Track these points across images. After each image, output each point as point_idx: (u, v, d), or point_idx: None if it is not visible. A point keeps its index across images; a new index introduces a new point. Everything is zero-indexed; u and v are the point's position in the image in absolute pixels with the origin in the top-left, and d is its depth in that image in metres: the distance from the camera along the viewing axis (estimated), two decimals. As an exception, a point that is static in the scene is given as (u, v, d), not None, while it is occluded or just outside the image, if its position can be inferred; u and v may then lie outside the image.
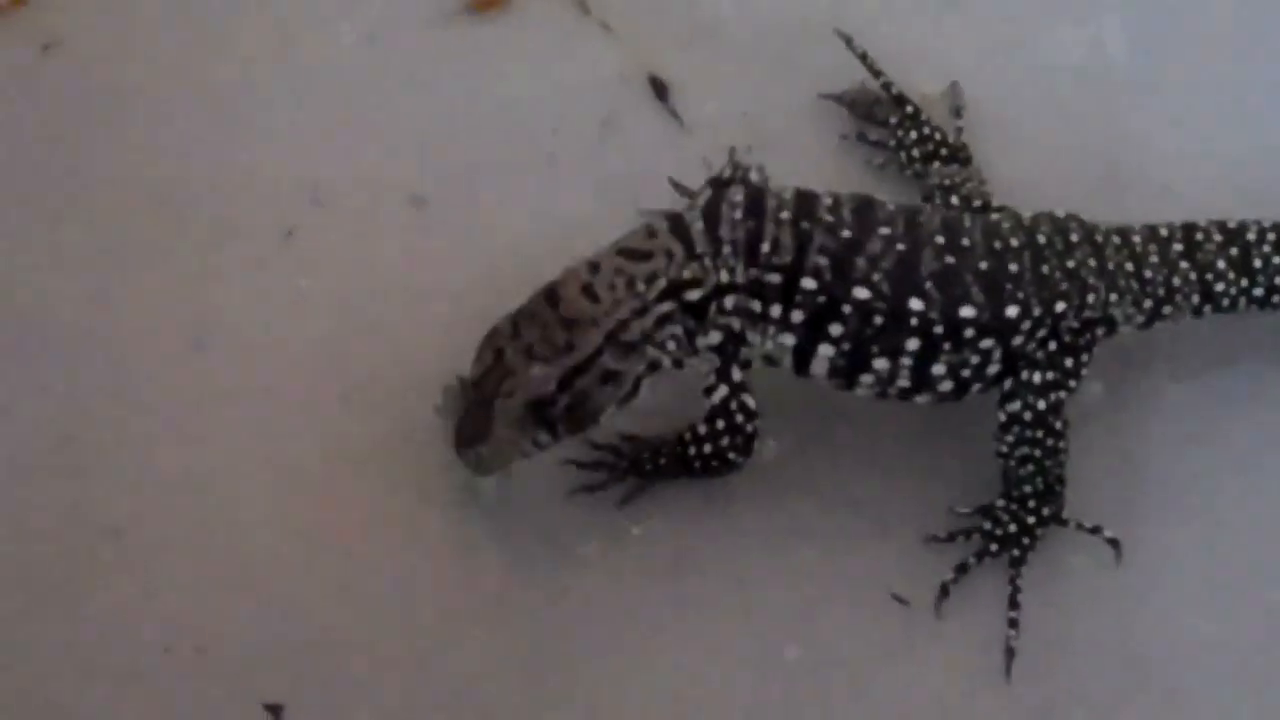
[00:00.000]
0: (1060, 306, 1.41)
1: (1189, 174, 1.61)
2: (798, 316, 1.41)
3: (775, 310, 1.42)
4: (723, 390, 1.43)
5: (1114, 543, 1.47)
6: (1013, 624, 1.45)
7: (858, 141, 1.63)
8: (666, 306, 1.40)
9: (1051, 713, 1.43)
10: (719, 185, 1.49)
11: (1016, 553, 1.46)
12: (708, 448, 1.44)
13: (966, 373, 1.42)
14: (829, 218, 1.40)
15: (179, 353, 1.55)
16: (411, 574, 1.48)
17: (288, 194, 1.61)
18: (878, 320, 1.40)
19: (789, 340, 1.42)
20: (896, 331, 1.40)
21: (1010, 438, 1.44)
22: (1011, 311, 1.40)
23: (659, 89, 1.65)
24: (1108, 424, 1.51)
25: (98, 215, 1.60)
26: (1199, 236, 1.48)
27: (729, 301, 1.42)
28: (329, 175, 1.62)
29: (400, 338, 1.56)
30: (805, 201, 1.41)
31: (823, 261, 1.39)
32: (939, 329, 1.40)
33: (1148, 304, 1.46)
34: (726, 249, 1.40)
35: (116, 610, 1.45)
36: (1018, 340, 1.41)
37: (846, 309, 1.39)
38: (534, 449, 1.41)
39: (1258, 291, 1.48)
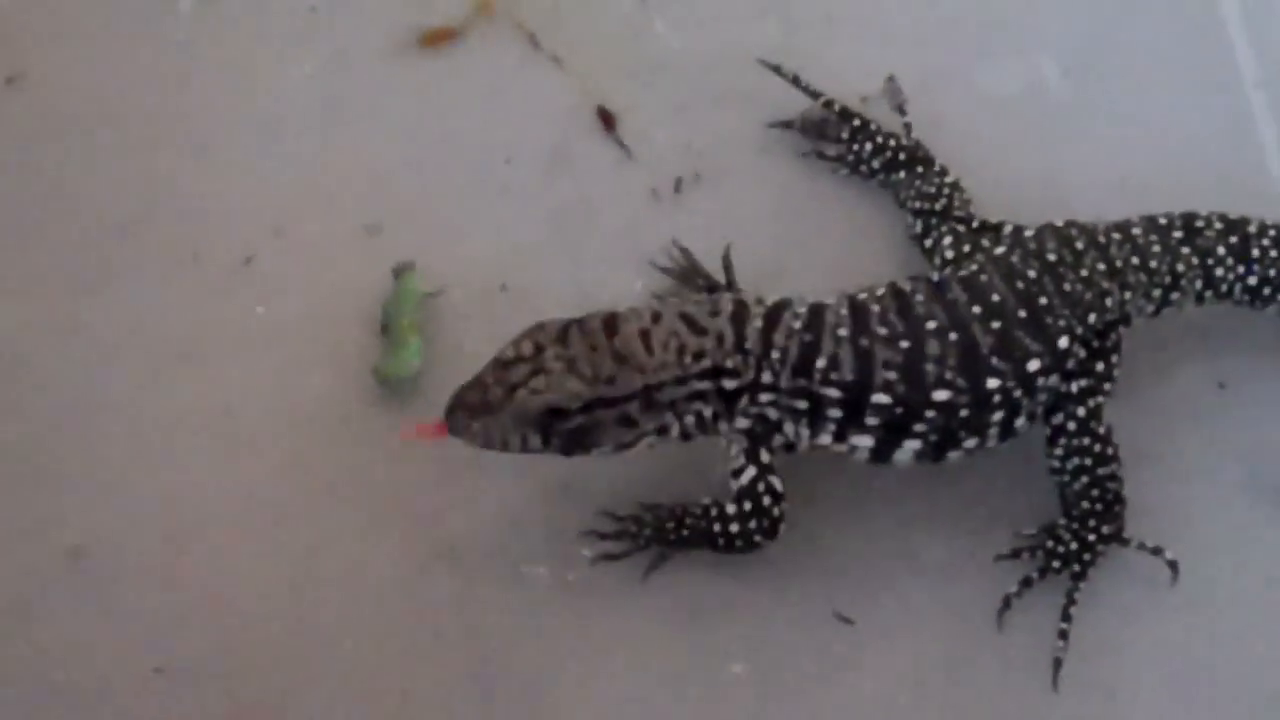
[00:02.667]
0: (1093, 318, 1.45)
1: (1118, 197, 1.62)
2: (873, 422, 1.43)
3: (834, 413, 1.43)
4: (751, 471, 1.44)
5: (1173, 565, 1.48)
6: (1063, 635, 1.47)
7: (818, 159, 1.65)
8: (703, 385, 1.42)
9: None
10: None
11: (1077, 568, 1.48)
12: (734, 527, 1.45)
13: (1039, 410, 1.46)
14: (882, 330, 1.42)
15: (143, 375, 1.56)
16: (363, 593, 1.48)
17: (247, 222, 1.62)
18: (963, 413, 1.42)
19: (866, 441, 1.44)
20: (982, 413, 1.43)
21: (1059, 450, 1.47)
22: (1063, 343, 1.43)
23: (607, 120, 1.67)
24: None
25: (64, 242, 1.61)
26: (1199, 224, 1.51)
27: (764, 397, 1.43)
28: (287, 204, 1.63)
29: (354, 362, 1.56)
30: (860, 316, 1.43)
31: (892, 376, 1.41)
32: (1018, 393, 1.43)
33: (1156, 293, 1.49)
34: (775, 354, 1.42)
35: (75, 630, 1.45)
36: (1070, 363, 1.45)
37: (929, 413, 1.42)
38: (519, 447, 1.42)
39: (1252, 280, 1.51)
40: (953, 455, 1.46)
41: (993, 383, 1.41)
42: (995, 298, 1.44)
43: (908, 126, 1.65)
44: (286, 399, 1.55)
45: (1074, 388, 1.45)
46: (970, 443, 1.45)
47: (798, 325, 1.42)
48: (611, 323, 1.42)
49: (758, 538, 1.44)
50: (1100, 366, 1.46)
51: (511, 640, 1.47)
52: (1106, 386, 1.47)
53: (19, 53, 1.68)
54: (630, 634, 1.47)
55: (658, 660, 1.46)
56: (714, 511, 1.45)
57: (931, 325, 1.42)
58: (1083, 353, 1.46)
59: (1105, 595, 1.48)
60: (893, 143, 1.62)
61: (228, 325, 1.58)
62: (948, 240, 1.55)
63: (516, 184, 1.65)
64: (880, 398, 1.41)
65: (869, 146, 1.62)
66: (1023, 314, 1.43)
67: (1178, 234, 1.51)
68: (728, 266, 1.58)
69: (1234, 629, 1.49)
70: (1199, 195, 1.59)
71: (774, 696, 1.46)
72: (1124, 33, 1.75)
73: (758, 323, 1.43)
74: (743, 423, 1.45)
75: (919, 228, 1.58)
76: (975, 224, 1.56)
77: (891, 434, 1.43)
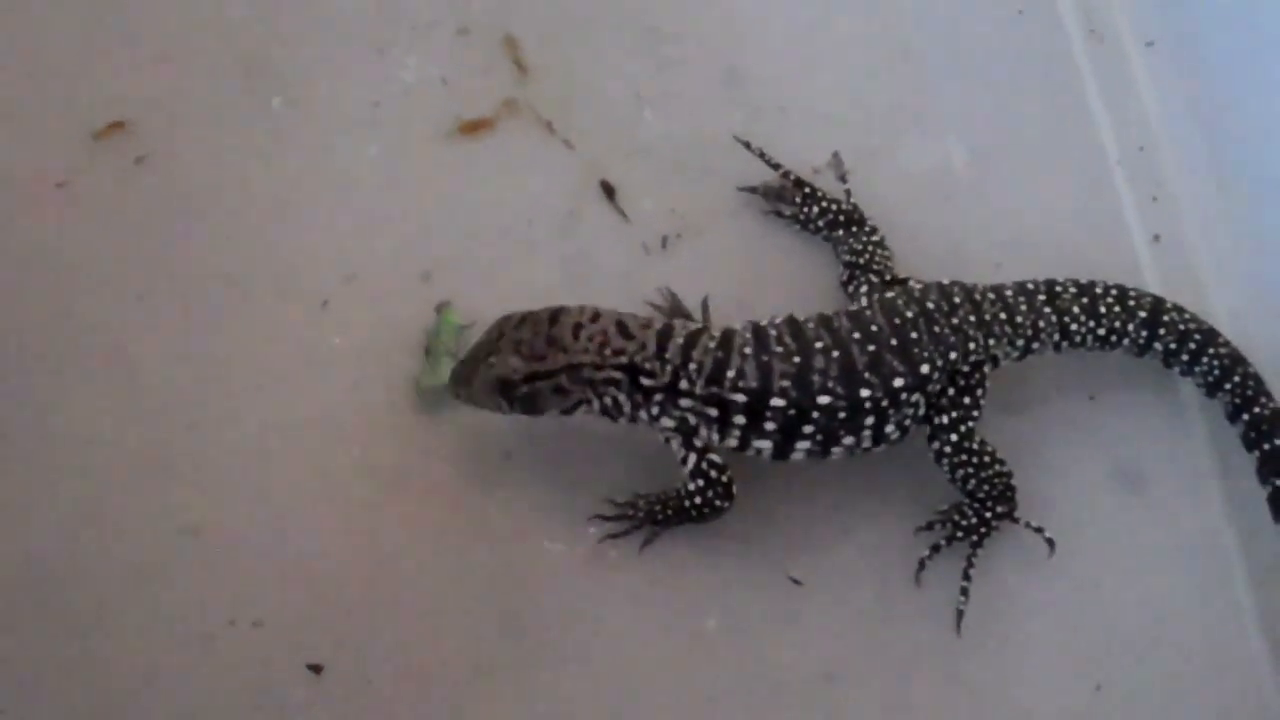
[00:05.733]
0: (953, 356, 1.53)
1: (1012, 253, 1.76)
2: (770, 426, 1.51)
3: (739, 419, 1.51)
4: (693, 456, 1.54)
5: (1050, 542, 1.60)
6: (964, 591, 1.58)
7: (776, 218, 1.73)
8: (618, 375, 1.51)
9: (915, 661, 1.59)
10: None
11: (975, 539, 1.59)
12: (699, 499, 1.55)
13: (907, 422, 1.55)
14: (779, 349, 1.50)
15: (244, 392, 1.64)
16: (418, 562, 1.58)
17: (325, 272, 1.70)
18: (841, 415, 1.51)
19: (766, 444, 1.52)
20: (856, 416, 1.51)
21: (945, 467, 1.56)
22: (925, 369, 1.53)
23: (608, 191, 1.76)
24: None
25: (178, 289, 1.68)
26: (1058, 289, 1.60)
27: (684, 401, 1.52)
28: (358, 256, 1.71)
29: (409, 382, 1.66)
30: (761, 338, 1.52)
31: (786, 384, 1.50)
32: (885, 402, 1.51)
33: (1020, 342, 1.58)
34: (693, 366, 1.50)
35: (191, 593, 1.55)
36: (930, 387, 1.54)
37: (815, 414, 1.50)
38: (495, 409, 1.55)
39: (1101, 331, 1.61)
40: (836, 451, 1.54)
41: (865, 392, 1.51)
42: (874, 328, 1.53)
43: (848, 193, 1.74)
44: (355, 410, 1.63)
45: (945, 419, 1.56)
46: (848, 440, 1.53)
47: (712, 345, 1.52)
48: (555, 316, 1.52)
49: (718, 502, 1.55)
50: (967, 399, 1.56)
51: (535, 602, 1.57)
52: (975, 414, 1.56)
53: (147, 139, 1.74)
54: (628, 595, 1.58)
55: (649, 615, 1.58)
56: (683, 492, 1.56)
57: (819, 345, 1.51)
58: (949, 385, 1.55)
59: (1000, 562, 1.62)
60: (835, 206, 1.71)
61: (310, 353, 1.66)
62: (864, 289, 1.64)
63: (537, 241, 1.74)
64: (777, 401, 1.50)
65: (816, 209, 1.71)
66: (894, 342, 1.52)
67: (1041, 297, 1.59)
68: (705, 309, 1.68)
69: (1096, 588, 1.64)
70: (1072, 250, 1.75)
71: (740, 643, 1.58)
72: (1013, 123, 1.85)
73: (679, 340, 1.52)
74: (669, 423, 1.54)
75: (846, 276, 1.67)
76: (888, 278, 1.65)
77: (786, 437, 1.52)
